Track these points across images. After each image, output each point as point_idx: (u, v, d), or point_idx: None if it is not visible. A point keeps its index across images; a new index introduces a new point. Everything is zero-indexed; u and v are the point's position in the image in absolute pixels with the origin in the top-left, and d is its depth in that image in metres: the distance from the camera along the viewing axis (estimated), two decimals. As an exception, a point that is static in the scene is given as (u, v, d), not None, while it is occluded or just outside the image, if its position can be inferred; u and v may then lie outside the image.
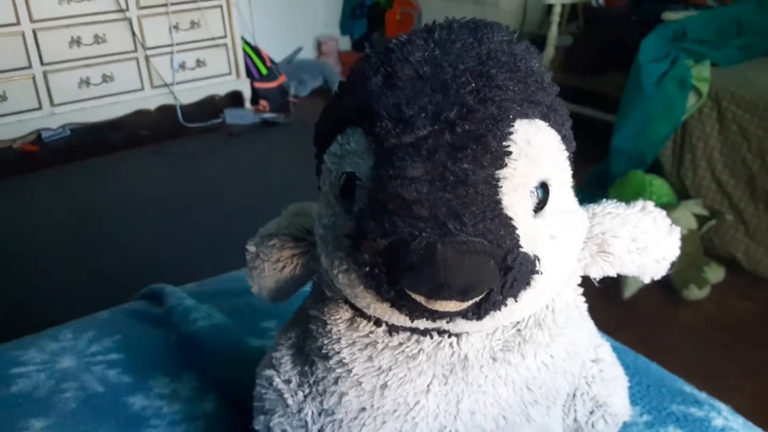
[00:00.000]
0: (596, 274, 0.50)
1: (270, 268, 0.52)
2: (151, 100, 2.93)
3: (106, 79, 2.79)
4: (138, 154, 2.76)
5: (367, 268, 0.37)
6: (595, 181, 2.14)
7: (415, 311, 0.38)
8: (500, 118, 0.36)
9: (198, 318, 0.81)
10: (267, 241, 0.52)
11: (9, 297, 1.75)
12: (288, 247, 0.51)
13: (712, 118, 1.85)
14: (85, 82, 2.75)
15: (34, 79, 2.64)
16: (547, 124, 0.40)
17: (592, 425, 0.55)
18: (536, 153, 0.38)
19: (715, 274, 1.75)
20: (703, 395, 0.72)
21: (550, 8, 2.65)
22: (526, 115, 0.38)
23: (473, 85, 0.36)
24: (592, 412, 0.54)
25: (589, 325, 0.54)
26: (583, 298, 0.51)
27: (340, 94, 0.44)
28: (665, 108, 1.90)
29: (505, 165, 0.36)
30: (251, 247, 0.53)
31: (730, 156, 1.82)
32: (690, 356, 1.50)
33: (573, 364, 0.51)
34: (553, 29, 2.56)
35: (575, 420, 0.54)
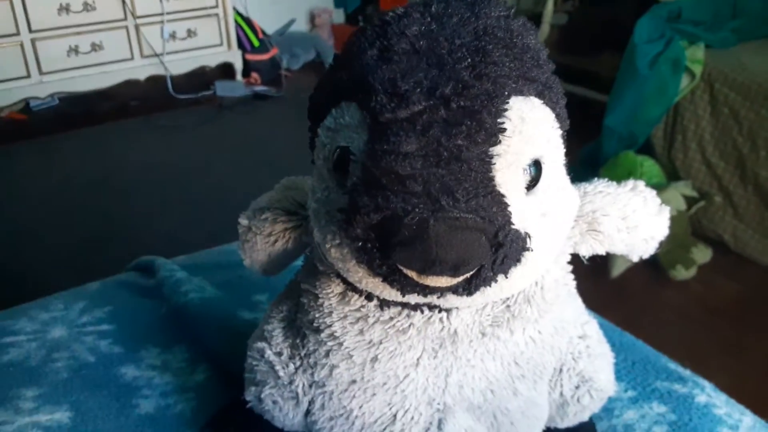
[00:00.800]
0: (586, 252, 0.51)
1: (262, 241, 0.52)
2: (140, 70, 2.89)
3: (96, 47, 2.75)
4: (127, 124, 2.74)
5: (360, 243, 0.37)
6: (587, 161, 2.14)
7: (406, 286, 0.38)
8: (495, 94, 0.36)
9: (189, 290, 0.81)
10: (259, 215, 0.52)
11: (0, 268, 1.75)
12: (280, 221, 0.51)
13: (704, 100, 1.86)
14: (74, 51, 2.71)
15: (22, 46, 2.60)
16: (542, 101, 0.40)
17: (578, 399, 0.56)
18: (530, 131, 0.38)
19: (703, 255, 1.77)
20: (687, 372, 0.73)
21: (546, -15, 2.63)
22: (521, 92, 0.38)
23: (469, 60, 0.36)
24: (577, 387, 0.55)
25: (577, 302, 0.55)
26: (572, 276, 0.52)
27: (335, 66, 0.43)
28: (658, 89, 1.90)
29: (499, 142, 0.36)
30: (243, 221, 0.53)
31: (721, 138, 1.83)
32: (676, 335, 1.53)
33: (560, 340, 0.52)
34: (549, 7, 2.54)
35: (561, 394, 0.55)
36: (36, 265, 1.75)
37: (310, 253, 0.51)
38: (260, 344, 0.54)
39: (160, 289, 0.84)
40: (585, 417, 0.59)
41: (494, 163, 0.36)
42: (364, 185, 0.37)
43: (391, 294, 0.41)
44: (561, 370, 0.54)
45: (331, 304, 0.47)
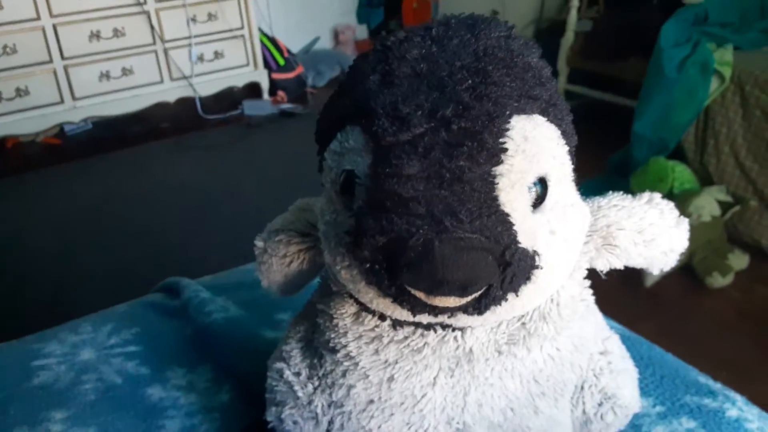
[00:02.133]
0: (602, 267, 0.50)
1: (278, 263, 0.53)
2: (170, 92, 2.96)
3: (126, 72, 2.83)
4: (159, 146, 2.80)
5: (368, 265, 0.37)
6: (617, 168, 2.12)
7: (416, 306, 0.38)
8: (496, 114, 0.36)
9: (213, 310, 0.82)
10: (274, 237, 0.52)
11: (35, 290, 1.79)
12: (294, 242, 0.52)
13: (735, 102, 1.82)
14: (106, 76, 2.79)
15: (55, 73, 2.68)
16: (546, 119, 0.40)
17: (601, 417, 0.54)
18: (534, 149, 0.37)
19: (739, 261, 1.72)
20: (718, 385, 0.71)
21: (569, -7, 2.61)
22: (523, 111, 0.38)
23: (469, 82, 0.36)
24: (600, 404, 0.54)
25: (597, 317, 0.54)
26: (590, 291, 0.51)
27: (339, 91, 0.44)
28: (687, 93, 1.87)
29: (502, 162, 0.36)
30: (259, 243, 0.53)
31: (754, 141, 1.79)
32: (714, 345, 1.49)
33: (580, 356, 0.51)
34: (573, 14, 2.53)
35: (584, 412, 0.54)
36: (70, 286, 1.80)
37: (325, 274, 0.52)
38: (279, 365, 0.54)
39: (186, 309, 0.86)
40: (611, 434, 0.58)
41: (497, 183, 0.36)
42: (369, 208, 0.37)
43: (402, 314, 0.41)
44: (583, 387, 0.53)
45: (345, 325, 0.48)
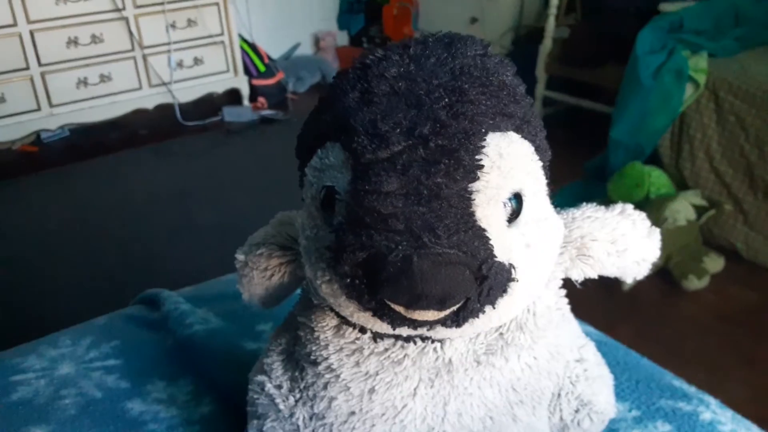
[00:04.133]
0: (577, 277, 0.51)
1: (259, 276, 0.53)
2: (149, 99, 2.93)
3: (104, 78, 2.80)
4: (137, 153, 2.77)
5: (348, 280, 0.38)
6: (594, 174, 2.14)
7: (396, 320, 0.39)
8: (472, 132, 0.37)
9: (194, 322, 0.82)
10: (255, 250, 0.53)
11: (10, 299, 1.77)
12: (275, 255, 0.52)
13: (709, 108, 1.85)
14: (83, 83, 2.76)
15: (32, 80, 2.65)
16: (520, 135, 0.40)
17: (578, 423, 0.56)
18: (509, 165, 0.38)
19: (715, 264, 1.76)
20: (692, 389, 0.73)
21: (547, 0, 2.64)
22: (498, 128, 0.39)
23: (446, 100, 0.37)
24: (577, 411, 0.55)
25: (573, 325, 0.55)
26: (566, 300, 0.52)
27: (320, 108, 0.45)
28: (663, 99, 1.90)
29: (478, 178, 0.37)
30: (240, 256, 0.54)
31: (728, 146, 1.83)
32: (690, 347, 1.51)
33: (557, 364, 0.52)
34: (551, 21, 2.56)
35: (561, 419, 0.55)
36: (48, 295, 1.77)
37: (306, 287, 0.52)
38: (260, 377, 0.55)
39: (166, 321, 0.85)
40: (588, 440, 0.59)
41: (474, 199, 0.37)
42: (348, 224, 0.38)
43: (383, 327, 0.42)
44: (559, 395, 0.54)
45: (326, 337, 0.48)
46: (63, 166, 2.65)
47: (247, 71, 3.15)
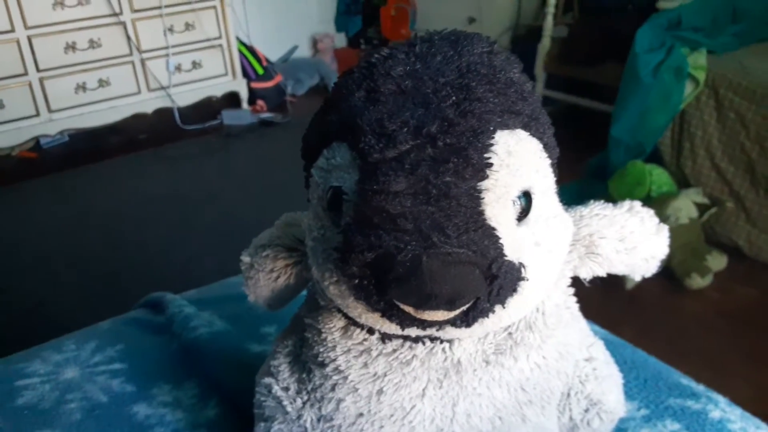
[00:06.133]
0: (586, 275, 0.51)
1: (265, 278, 0.53)
2: (148, 103, 2.93)
3: (103, 83, 2.80)
4: (137, 157, 2.77)
5: (356, 281, 0.37)
6: (595, 173, 2.14)
7: (404, 320, 0.38)
8: (480, 130, 0.36)
9: (198, 325, 0.82)
10: (261, 252, 0.53)
11: (13, 304, 1.76)
12: (281, 257, 0.52)
13: (709, 106, 1.85)
14: (82, 88, 2.76)
15: (30, 85, 2.65)
16: (529, 133, 0.40)
17: (588, 423, 0.55)
18: (517, 163, 0.38)
19: (717, 262, 1.75)
20: (700, 387, 0.73)
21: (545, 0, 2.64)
22: (506, 126, 0.38)
23: (454, 98, 0.37)
24: (587, 410, 0.55)
25: (581, 324, 0.55)
26: (574, 299, 0.52)
27: (325, 108, 0.44)
28: (662, 97, 1.90)
29: (487, 177, 0.36)
30: (246, 258, 0.54)
31: (729, 143, 1.82)
32: (694, 345, 1.51)
33: (566, 364, 0.51)
34: (549, 20, 2.56)
35: (571, 419, 0.55)
36: (50, 299, 1.77)
37: (312, 288, 0.52)
38: (267, 380, 0.54)
39: (170, 325, 0.85)
40: (597, 439, 0.58)
41: (483, 198, 0.36)
42: (356, 224, 0.37)
43: (391, 328, 0.41)
44: (569, 394, 0.54)
45: (334, 339, 0.48)
46: (62, 172, 2.64)
47: (245, 74, 3.15)
